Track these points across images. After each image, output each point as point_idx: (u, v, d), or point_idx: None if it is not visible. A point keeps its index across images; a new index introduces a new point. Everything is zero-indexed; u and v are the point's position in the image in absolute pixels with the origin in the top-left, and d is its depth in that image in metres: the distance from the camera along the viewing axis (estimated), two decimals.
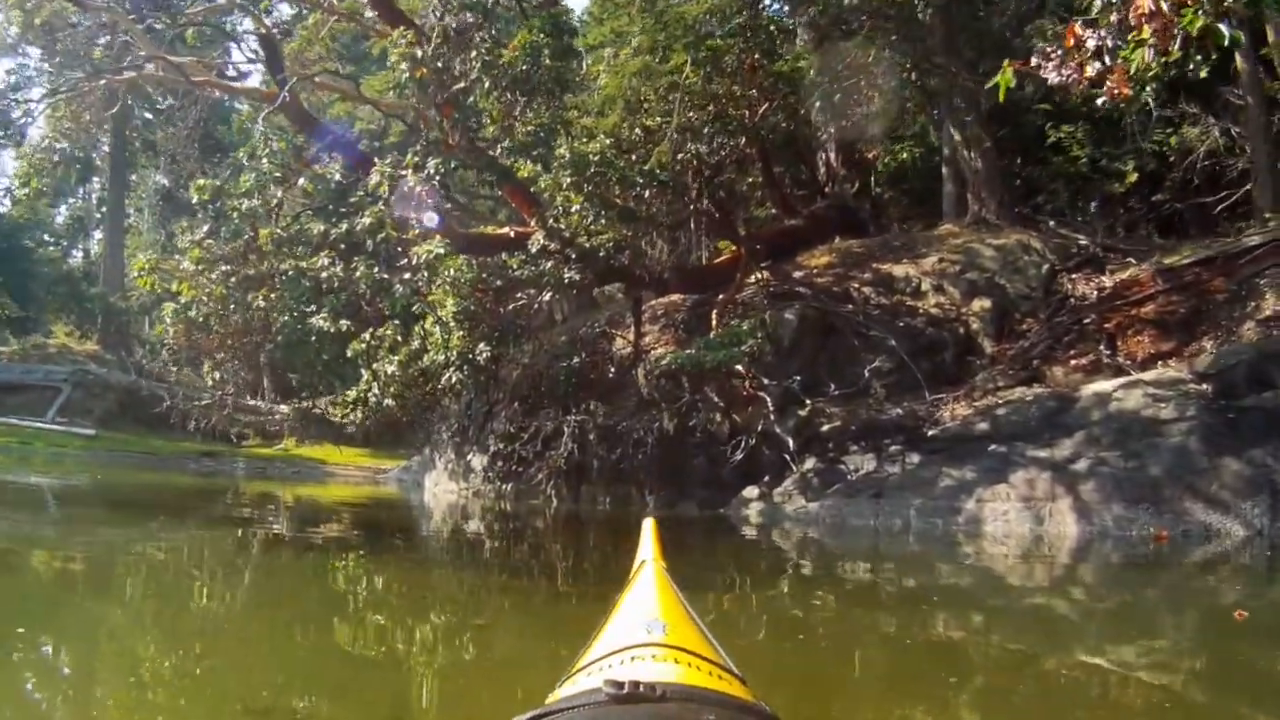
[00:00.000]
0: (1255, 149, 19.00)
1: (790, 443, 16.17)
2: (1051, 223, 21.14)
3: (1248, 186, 19.24)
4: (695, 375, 16.75)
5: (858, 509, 14.91)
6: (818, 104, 21.58)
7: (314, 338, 14.65)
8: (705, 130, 18.24)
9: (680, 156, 18.00)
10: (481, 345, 17.12)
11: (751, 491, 16.91)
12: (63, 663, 5.60)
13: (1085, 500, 13.03)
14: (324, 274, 14.69)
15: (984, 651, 7.07)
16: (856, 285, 20.23)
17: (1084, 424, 14.13)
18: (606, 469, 18.50)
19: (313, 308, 14.71)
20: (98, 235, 54.49)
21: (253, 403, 39.32)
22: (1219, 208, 19.57)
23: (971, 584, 10.63)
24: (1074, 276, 19.34)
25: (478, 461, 20.73)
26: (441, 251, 14.19)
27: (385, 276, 13.67)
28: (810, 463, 16.52)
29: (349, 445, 33.79)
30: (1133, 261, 18.88)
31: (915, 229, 23.33)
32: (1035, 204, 22.44)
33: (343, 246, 15.56)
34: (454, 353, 17.18)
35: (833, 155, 25.36)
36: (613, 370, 19.64)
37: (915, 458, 15.38)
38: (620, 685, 1.76)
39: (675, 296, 22.22)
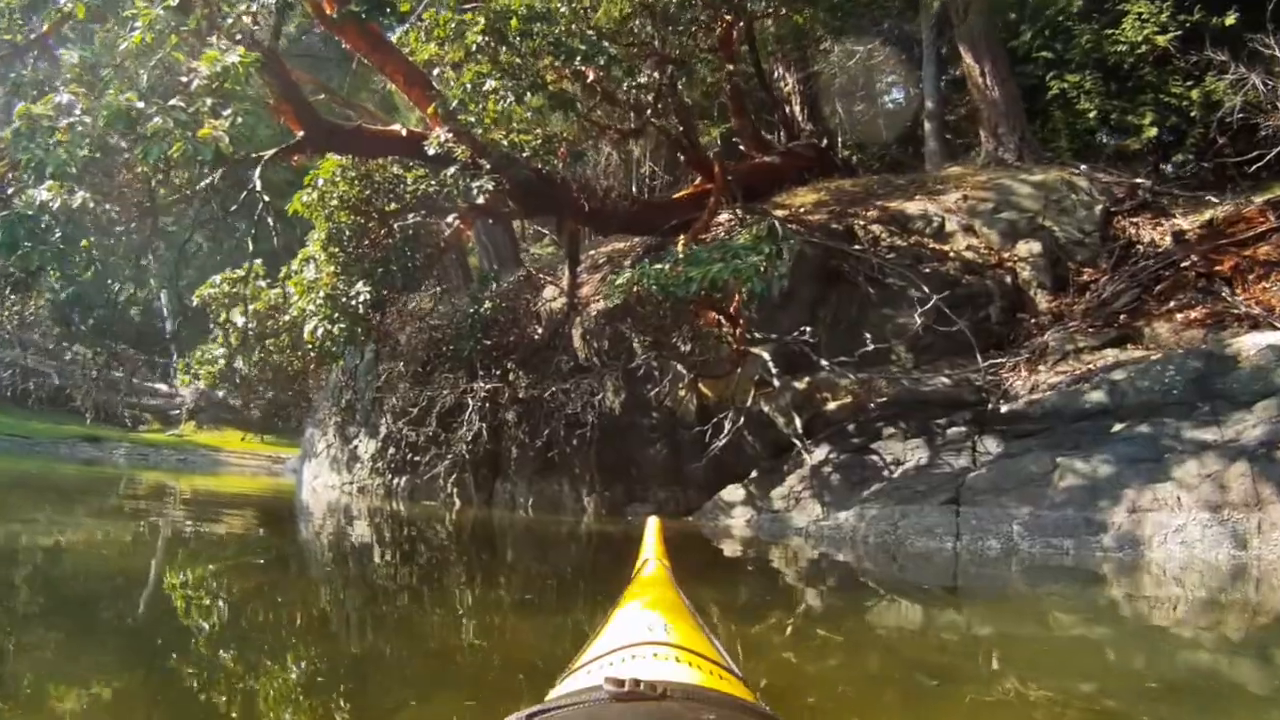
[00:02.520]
0: None
1: (797, 423, 11.45)
2: (1081, 167, 16.80)
3: None
4: (657, 325, 12.11)
5: (922, 521, 10.05)
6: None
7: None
8: (670, 8, 13.45)
9: (633, 28, 13.26)
10: (360, 286, 12.31)
11: (734, 492, 12.42)
12: None
13: None
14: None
15: None
16: (861, 224, 15.59)
17: (1269, 390, 9.50)
18: (529, 460, 13.87)
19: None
20: None
21: (155, 385, 35.65)
22: (1255, 166, 15.28)
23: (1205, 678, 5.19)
24: (1134, 220, 15.00)
25: (365, 448, 15.94)
26: (238, 60, 8.77)
27: (141, 106, 8.44)
28: (823, 452, 11.89)
29: (256, 431, 31.62)
30: (1214, 200, 14.64)
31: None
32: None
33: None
34: (320, 294, 12.40)
35: (797, 108, 22.11)
36: (539, 329, 14.87)
37: (992, 444, 10.73)
38: (620, 683, 1.72)
39: (620, 243, 17.61)
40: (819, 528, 10.83)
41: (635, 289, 10.10)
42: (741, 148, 19.75)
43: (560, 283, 15.08)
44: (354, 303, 12.14)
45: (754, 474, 12.86)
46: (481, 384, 13.05)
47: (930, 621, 6.82)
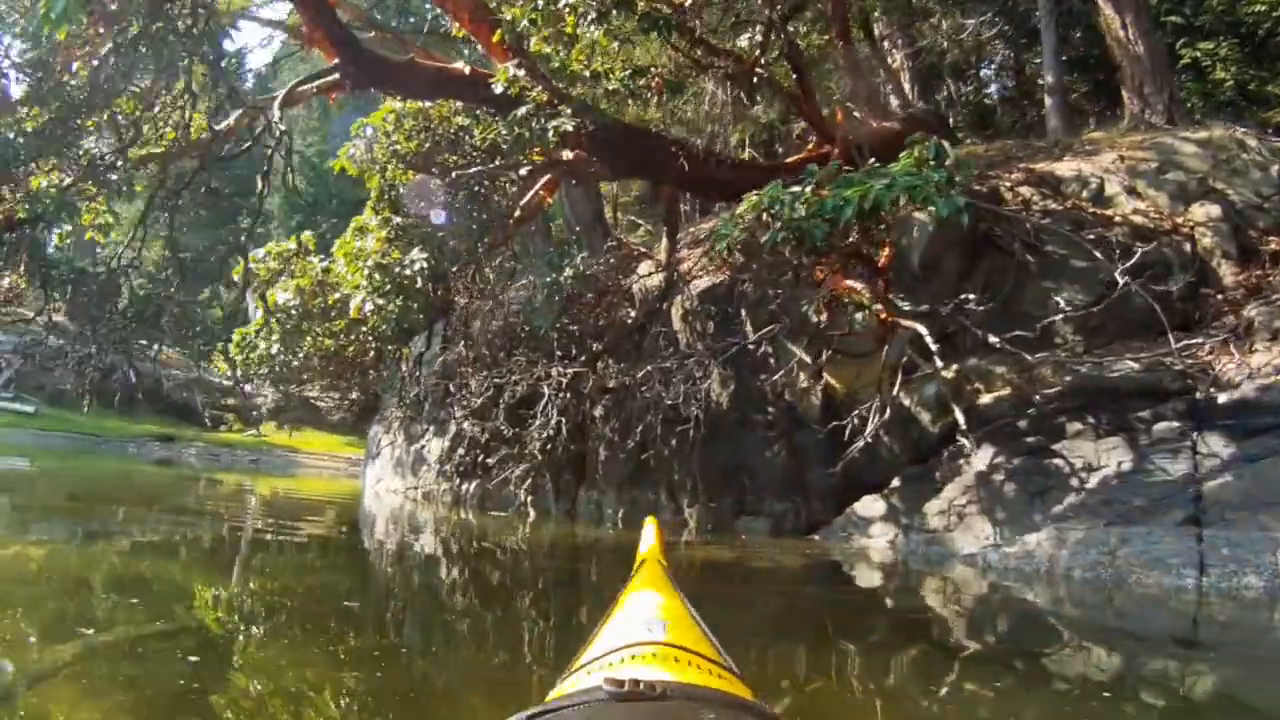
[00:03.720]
0: None
1: (959, 416, 9.00)
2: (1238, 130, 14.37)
3: None
4: (773, 296, 9.83)
5: (1151, 549, 7.49)
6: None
7: None
8: None
9: None
10: (415, 254, 10.20)
11: (871, 506, 10.23)
12: None
13: None
14: None
15: None
16: (1007, 186, 13.06)
17: None
18: (619, 463, 11.66)
19: None
20: None
21: (236, 385, 34.84)
22: None
23: None
24: None
25: (432, 449, 13.84)
26: None
27: None
28: (986, 455, 9.51)
29: (337, 432, 30.56)
30: None
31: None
32: None
33: None
34: (369, 264, 10.33)
35: (906, 85, 19.86)
36: (631, 311, 12.61)
37: (1218, 442, 8.25)
38: (620, 683, 1.68)
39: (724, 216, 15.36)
40: (999, 555, 8.41)
41: (764, 217, 7.71)
42: (856, 113, 17.33)
43: (656, 255, 12.82)
44: (408, 273, 9.99)
45: (895, 482, 10.55)
46: (560, 369, 10.79)
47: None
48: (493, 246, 12.75)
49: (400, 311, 10.13)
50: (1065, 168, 13.29)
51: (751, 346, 11.76)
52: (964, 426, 9.17)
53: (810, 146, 14.61)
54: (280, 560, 8.22)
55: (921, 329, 9.07)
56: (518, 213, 12.87)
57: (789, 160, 14.90)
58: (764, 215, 7.57)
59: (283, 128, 9.10)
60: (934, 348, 8.84)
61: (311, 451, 28.67)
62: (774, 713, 1.93)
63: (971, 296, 9.71)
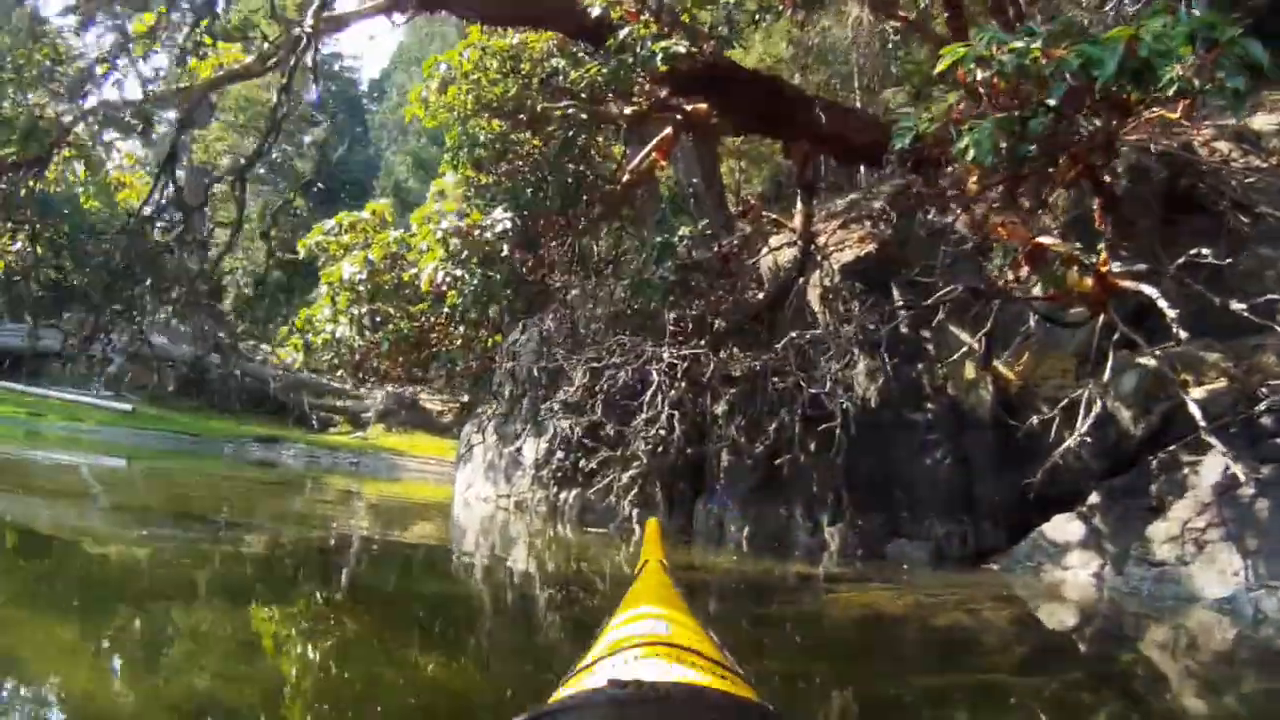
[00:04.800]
0: None
1: (1196, 412, 6.77)
2: None
3: None
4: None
5: None
6: None
7: None
8: None
9: None
10: (498, 213, 8.32)
11: (1065, 528, 8.23)
12: None
13: None
14: None
15: None
16: (1200, 140, 10.69)
17: None
18: (745, 470, 9.65)
19: None
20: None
21: (346, 386, 34.12)
22: None
23: None
24: None
25: (529, 451, 11.96)
26: None
27: None
28: (1218, 464, 7.32)
29: (448, 435, 29.40)
30: None
31: None
32: None
33: None
34: (442, 226, 8.48)
35: None
36: (758, 293, 10.56)
37: None
38: (624, 684, 1.66)
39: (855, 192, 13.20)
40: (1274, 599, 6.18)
41: (978, 72, 5.52)
42: None
43: (789, 224, 10.76)
44: (488, 236, 8.11)
45: (1093, 498, 8.38)
46: (672, 350, 8.78)
47: None
48: (598, 219, 10.87)
49: (481, 284, 8.22)
50: (1265, 121, 10.94)
51: (906, 330, 9.69)
52: (1202, 424, 6.92)
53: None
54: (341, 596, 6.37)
55: (1153, 292, 6.86)
56: (626, 177, 10.95)
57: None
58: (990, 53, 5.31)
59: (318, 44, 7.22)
60: (1172, 314, 6.64)
61: (417, 455, 27.13)
62: (777, 712, 1.92)
63: (1206, 252, 7.43)
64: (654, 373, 8.84)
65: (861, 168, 13.96)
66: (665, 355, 8.80)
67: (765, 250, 10.90)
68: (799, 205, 10.81)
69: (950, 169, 10.54)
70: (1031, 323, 9.40)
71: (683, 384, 8.98)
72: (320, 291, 11.19)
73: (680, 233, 8.85)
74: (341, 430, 32.28)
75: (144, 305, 39.82)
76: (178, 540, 7.73)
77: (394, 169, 48.23)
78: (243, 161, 8.85)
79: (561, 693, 1.98)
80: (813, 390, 8.61)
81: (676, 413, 8.77)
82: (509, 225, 8.27)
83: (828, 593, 6.86)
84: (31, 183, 9.07)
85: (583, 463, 10.54)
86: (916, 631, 6.07)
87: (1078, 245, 7.18)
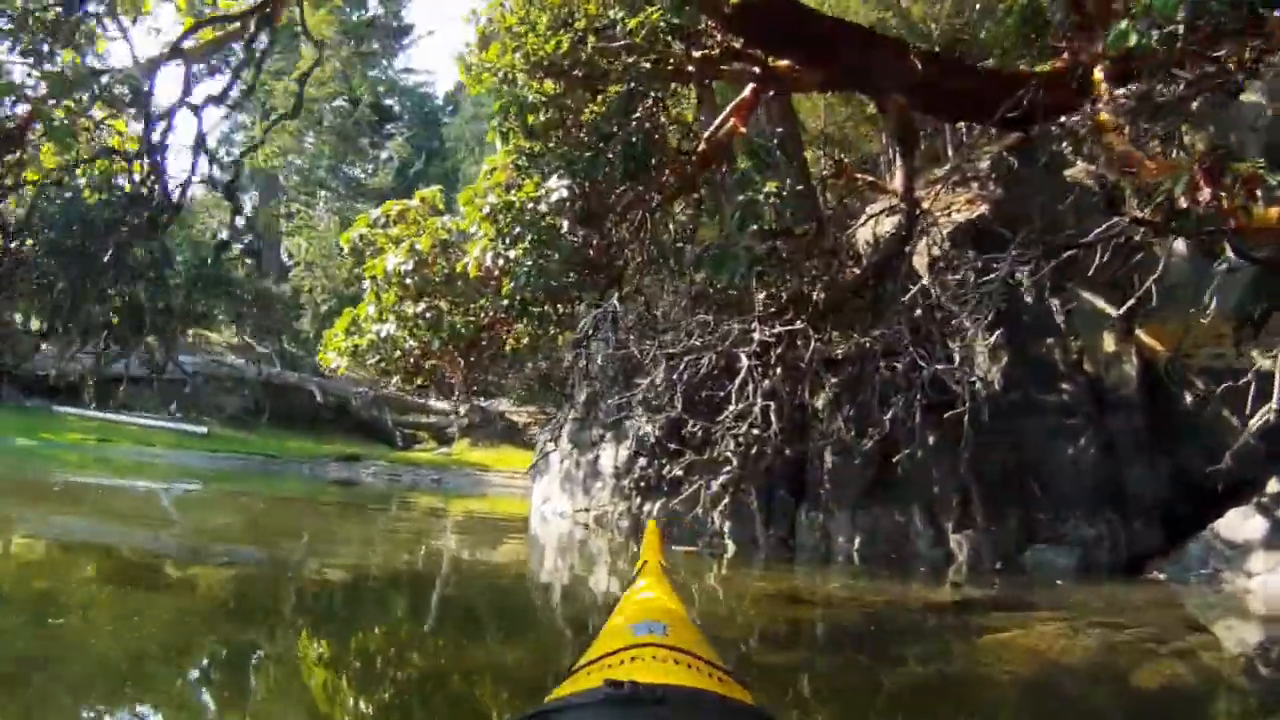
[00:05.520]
0: None
1: None
2: None
3: None
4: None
5: None
6: None
7: None
8: None
9: None
10: (553, 182, 7.11)
11: (1241, 524, 7.18)
12: None
13: None
14: None
15: None
16: None
17: None
18: (854, 471, 8.35)
19: None
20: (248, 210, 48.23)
21: (430, 402, 33.69)
22: None
23: None
24: None
25: (608, 459, 10.74)
26: None
27: None
28: None
29: (531, 448, 28.46)
30: None
31: None
32: None
33: None
34: (490, 201, 7.29)
35: None
36: (853, 268, 9.18)
37: None
38: (620, 685, 1.68)
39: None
40: None
41: None
42: None
43: (889, 187, 9.40)
44: (543, 209, 6.90)
45: (1274, 486, 6.97)
46: (764, 329, 7.46)
47: None
48: (671, 195, 9.62)
49: (536, 266, 7.01)
50: None
51: (1030, 299, 8.31)
52: None
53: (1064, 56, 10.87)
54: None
55: None
56: (701, 147, 9.70)
57: (1049, 68, 11.18)
58: None
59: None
60: None
61: (502, 469, 26.07)
62: (772, 716, 1.94)
63: None
64: (742, 357, 7.50)
65: (947, 130, 12.59)
66: (755, 335, 7.46)
67: (862, 219, 9.54)
68: (897, 165, 9.47)
69: (1065, 120, 9.17)
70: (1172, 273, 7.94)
71: (777, 370, 7.65)
72: (364, 288, 10.05)
73: (766, 189, 7.50)
74: (426, 447, 31.70)
75: (218, 326, 39.74)
76: (257, 565, 7.28)
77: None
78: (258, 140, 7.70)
79: (558, 693, 1.95)
80: (935, 369, 7.20)
81: (771, 404, 7.41)
82: (566, 194, 7.05)
83: (979, 632, 5.32)
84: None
85: (667, 469, 9.28)
86: (1129, 701, 4.33)
87: (1260, 162, 5.73)
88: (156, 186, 9.36)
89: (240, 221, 23.94)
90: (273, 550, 8.28)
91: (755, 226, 7.36)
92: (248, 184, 44.05)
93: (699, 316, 7.87)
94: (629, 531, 9.90)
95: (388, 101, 47.73)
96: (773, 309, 7.80)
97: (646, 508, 9.73)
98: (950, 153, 12.47)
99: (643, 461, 9.93)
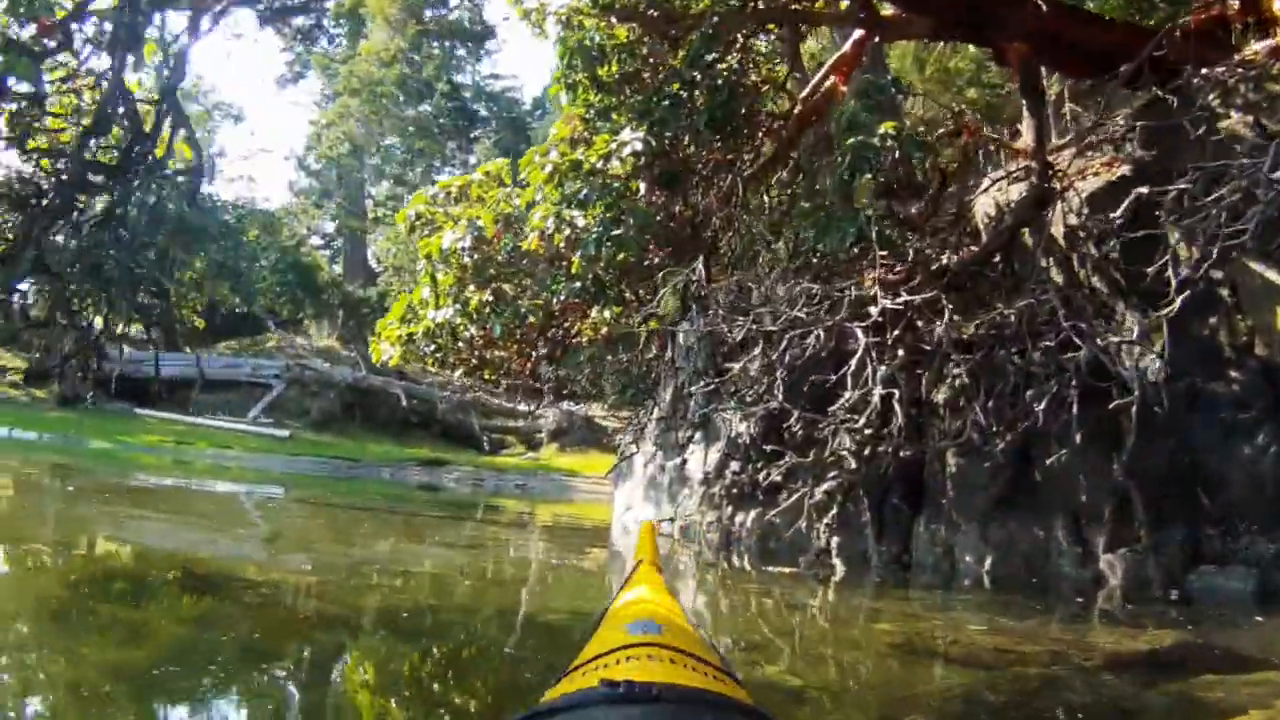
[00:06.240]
0: None
1: None
2: None
3: None
4: None
5: None
6: None
7: None
8: None
9: None
10: (627, 134, 5.99)
11: None
12: None
13: None
14: None
15: None
16: None
17: None
18: (982, 477, 7.06)
19: None
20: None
21: (518, 407, 33.49)
22: None
23: None
24: None
25: (696, 463, 9.57)
26: None
27: None
28: None
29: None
30: None
31: None
32: None
33: None
34: (552, 157, 6.20)
35: None
36: (972, 245, 7.88)
37: None
38: (616, 684, 1.66)
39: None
40: None
41: None
42: None
43: (1018, 146, 8.12)
44: (615, 165, 5.79)
45: None
46: (888, 296, 6.22)
47: None
48: (765, 165, 8.46)
49: (606, 231, 5.89)
50: None
51: (1186, 270, 6.99)
52: None
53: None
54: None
55: None
56: (798, 108, 8.52)
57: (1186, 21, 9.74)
58: None
59: None
60: None
61: (589, 474, 25.30)
62: (769, 714, 1.91)
63: None
64: (858, 334, 6.25)
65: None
66: (875, 305, 6.20)
67: (984, 183, 8.25)
68: (1026, 121, 8.18)
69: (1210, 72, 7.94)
70: None
71: (898, 352, 6.41)
72: (419, 270, 9.07)
73: (882, 130, 6.27)
74: (514, 451, 31.19)
75: (305, 330, 39.75)
76: (333, 571, 6.78)
77: None
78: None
79: (554, 693, 1.94)
80: (1094, 352, 5.91)
81: (895, 391, 6.16)
82: (641, 147, 5.94)
83: (1209, 713, 3.86)
84: None
85: (763, 474, 8.07)
86: None
87: None
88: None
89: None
90: (348, 556, 7.75)
91: (869, 177, 6.14)
92: (335, 187, 44.14)
93: (804, 283, 6.63)
94: (719, 545, 8.71)
95: (474, 106, 47.30)
96: (895, 274, 6.53)
97: (739, 518, 8.54)
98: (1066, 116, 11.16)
99: (735, 465, 8.76)
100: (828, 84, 8.49)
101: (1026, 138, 8.05)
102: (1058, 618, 6.13)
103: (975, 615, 5.83)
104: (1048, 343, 6.19)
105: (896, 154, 6.28)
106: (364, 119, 38.91)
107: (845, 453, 6.42)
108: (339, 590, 5.97)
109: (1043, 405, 6.06)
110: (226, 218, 37.44)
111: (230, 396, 30.35)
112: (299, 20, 37.82)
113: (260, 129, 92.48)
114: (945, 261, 6.78)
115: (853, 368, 6.13)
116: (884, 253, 6.29)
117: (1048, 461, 6.48)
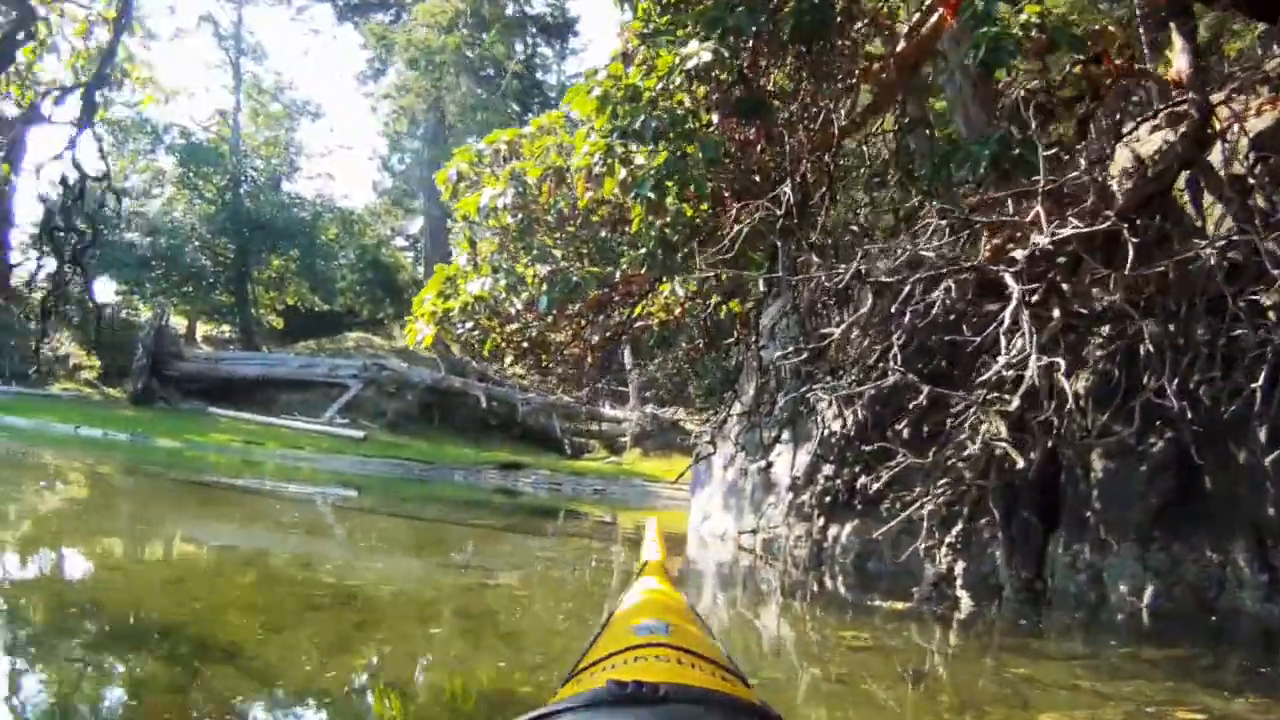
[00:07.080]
0: None
1: None
2: None
3: None
4: None
5: None
6: None
7: None
8: None
9: None
10: (692, 46, 4.70)
11: None
12: None
13: None
14: None
15: None
16: None
17: None
18: (1133, 485, 5.59)
19: None
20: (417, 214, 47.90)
21: (603, 410, 33.15)
22: None
23: None
24: None
25: (783, 468, 8.23)
26: None
27: None
28: None
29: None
30: None
31: None
32: None
33: None
34: (599, 81, 4.94)
35: None
36: (1106, 207, 6.38)
37: None
38: (624, 685, 1.53)
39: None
40: None
41: None
42: None
43: (1173, 78, 6.65)
44: (676, 82, 4.50)
45: None
46: (1049, 229, 4.78)
47: None
48: (865, 112, 7.14)
49: (669, 165, 4.60)
50: None
51: None
52: None
53: None
54: None
55: None
56: (901, 45, 7.16)
57: None
58: None
59: None
60: None
61: (672, 480, 24.98)
62: (777, 714, 1.76)
63: None
64: (1009, 280, 4.75)
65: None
66: (1026, 248, 4.73)
67: (1130, 126, 6.77)
68: (1178, 49, 6.71)
69: None
70: None
71: (1054, 315, 4.96)
72: (456, 235, 7.88)
73: (1024, 17, 4.79)
74: (596, 456, 30.64)
75: (387, 330, 39.49)
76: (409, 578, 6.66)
77: None
78: None
79: (561, 693, 1.83)
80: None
81: (1060, 362, 4.71)
82: (711, 58, 4.64)
83: None
84: None
85: (862, 480, 6.68)
86: None
87: None
88: None
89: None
90: (424, 562, 7.53)
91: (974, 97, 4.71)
92: (415, 190, 43.63)
93: (931, 220, 5.20)
94: (809, 562, 7.35)
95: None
96: (1044, 211, 5.04)
97: (832, 531, 7.18)
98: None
99: (829, 469, 7.40)
100: (934, 18, 7.12)
101: (1179, 65, 6.58)
102: (1218, 656, 4.67)
103: (1152, 679, 4.25)
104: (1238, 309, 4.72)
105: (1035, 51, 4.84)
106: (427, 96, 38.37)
107: (977, 450, 4.99)
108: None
109: (1225, 391, 4.59)
110: (303, 215, 37.45)
111: (307, 396, 30.36)
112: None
113: (342, 128, 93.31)
114: (1114, 190, 5.34)
115: (1006, 324, 4.67)
116: (1032, 181, 4.85)
117: (1195, 471, 4.99)
